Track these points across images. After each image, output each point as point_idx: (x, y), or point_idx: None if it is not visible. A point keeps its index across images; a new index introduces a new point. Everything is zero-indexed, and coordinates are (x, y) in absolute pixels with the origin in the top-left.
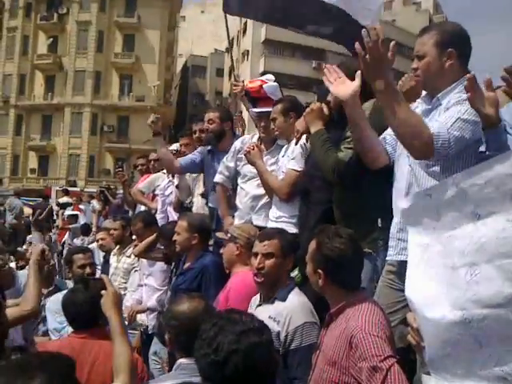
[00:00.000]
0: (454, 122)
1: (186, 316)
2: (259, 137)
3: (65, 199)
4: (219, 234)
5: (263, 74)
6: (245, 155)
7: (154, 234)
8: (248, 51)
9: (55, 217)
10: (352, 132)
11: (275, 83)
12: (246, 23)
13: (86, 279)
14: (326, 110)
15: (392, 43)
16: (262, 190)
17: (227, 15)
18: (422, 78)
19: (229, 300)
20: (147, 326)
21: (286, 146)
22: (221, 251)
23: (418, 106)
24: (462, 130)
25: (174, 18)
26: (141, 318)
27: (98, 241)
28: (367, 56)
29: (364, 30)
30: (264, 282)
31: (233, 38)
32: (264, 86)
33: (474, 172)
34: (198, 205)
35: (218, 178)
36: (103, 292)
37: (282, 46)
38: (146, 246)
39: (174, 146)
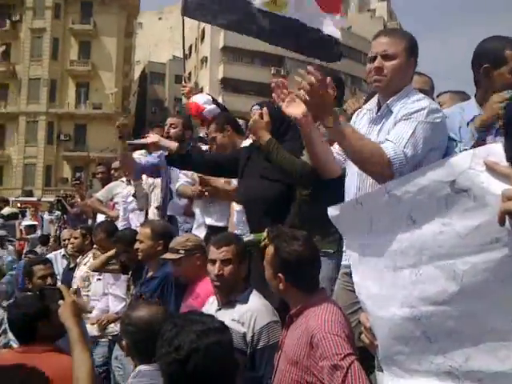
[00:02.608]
0: (407, 141)
1: (144, 322)
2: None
3: (7, 210)
4: (167, 255)
5: (222, 80)
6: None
7: (113, 250)
8: (206, 58)
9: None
10: (306, 147)
11: (213, 105)
12: (203, 30)
13: (43, 289)
14: (266, 117)
15: (328, 78)
16: None
17: (185, 20)
18: (389, 79)
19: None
20: (117, 333)
21: None
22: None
23: (366, 114)
24: (416, 147)
25: (130, 25)
26: (110, 325)
27: (66, 246)
28: (308, 99)
29: (297, 76)
30: (222, 287)
31: (191, 45)
32: (204, 112)
33: (407, 180)
34: (154, 217)
35: (180, 182)
36: (60, 302)
37: (240, 53)
38: (102, 262)
39: (139, 154)
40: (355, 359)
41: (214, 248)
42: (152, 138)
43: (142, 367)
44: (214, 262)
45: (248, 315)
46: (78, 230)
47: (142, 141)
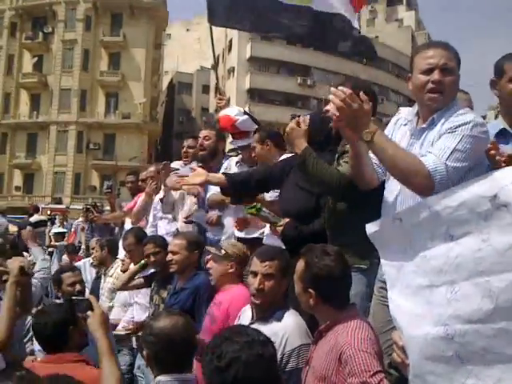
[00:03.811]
0: (450, 154)
1: (164, 332)
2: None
3: (35, 217)
4: (212, 249)
5: (249, 90)
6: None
7: (136, 266)
8: (234, 68)
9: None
10: (351, 160)
11: (245, 116)
12: (231, 41)
13: (72, 299)
14: (304, 125)
15: (361, 93)
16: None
17: (214, 28)
18: (447, 95)
19: (230, 315)
20: None
21: None
22: (208, 266)
23: (407, 124)
24: (459, 160)
25: (159, 36)
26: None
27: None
28: (342, 116)
29: (330, 94)
30: (262, 303)
31: (218, 56)
32: (236, 123)
33: (447, 195)
34: (182, 229)
35: (212, 192)
36: (89, 313)
37: (267, 63)
38: (128, 278)
39: (177, 165)
40: (384, 377)
41: (257, 260)
42: (199, 175)
43: (162, 378)
44: (255, 274)
45: (279, 335)
46: (97, 244)
47: (189, 180)
